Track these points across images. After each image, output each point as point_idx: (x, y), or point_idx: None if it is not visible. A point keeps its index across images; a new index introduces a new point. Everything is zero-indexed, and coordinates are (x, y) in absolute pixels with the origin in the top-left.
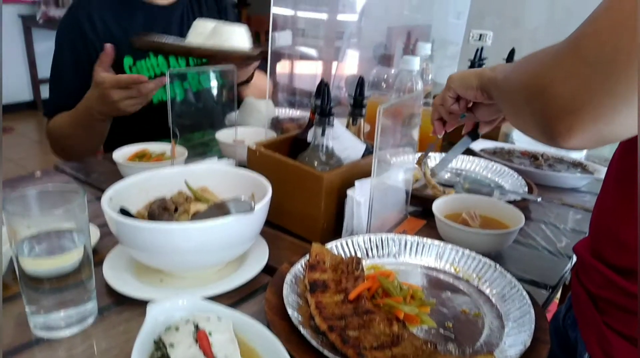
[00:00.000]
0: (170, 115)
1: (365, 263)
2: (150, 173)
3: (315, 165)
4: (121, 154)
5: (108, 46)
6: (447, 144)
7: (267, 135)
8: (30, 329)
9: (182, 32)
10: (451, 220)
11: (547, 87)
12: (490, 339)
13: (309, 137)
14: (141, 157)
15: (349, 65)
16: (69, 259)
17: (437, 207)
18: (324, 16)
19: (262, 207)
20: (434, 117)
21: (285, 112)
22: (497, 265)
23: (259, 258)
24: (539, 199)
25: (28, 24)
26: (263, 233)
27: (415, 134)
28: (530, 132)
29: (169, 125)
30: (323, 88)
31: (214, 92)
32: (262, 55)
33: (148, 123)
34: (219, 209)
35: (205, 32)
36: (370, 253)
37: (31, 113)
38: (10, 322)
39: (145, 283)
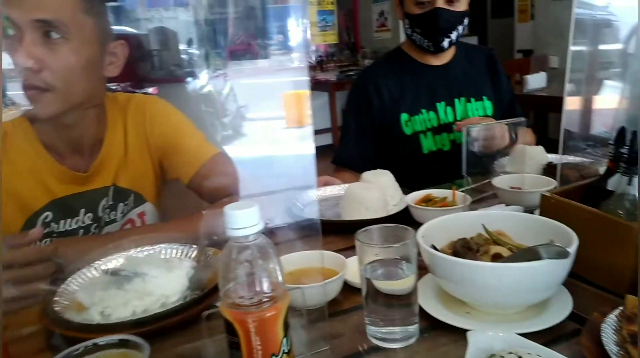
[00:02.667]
0: (464, 164)
1: None
2: (453, 215)
3: (621, 215)
4: (410, 198)
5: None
6: None
7: (544, 183)
8: (368, 338)
9: (455, 89)
10: None
11: None
12: None
13: (610, 186)
14: (427, 201)
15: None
16: (404, 284)
17: None
18: (582, 48)
19: (572, 253)
20: None
21: (558, 158)
22: None
23: (563, 304)
24: None
25: (298, 86)
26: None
27: None
28: None
29: (462, 173)
30: (630, 136)
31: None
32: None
33: (418, 171)
34: (528, 253)
35: None
36: None
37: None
38: (352, 330)
39: (454, 313)
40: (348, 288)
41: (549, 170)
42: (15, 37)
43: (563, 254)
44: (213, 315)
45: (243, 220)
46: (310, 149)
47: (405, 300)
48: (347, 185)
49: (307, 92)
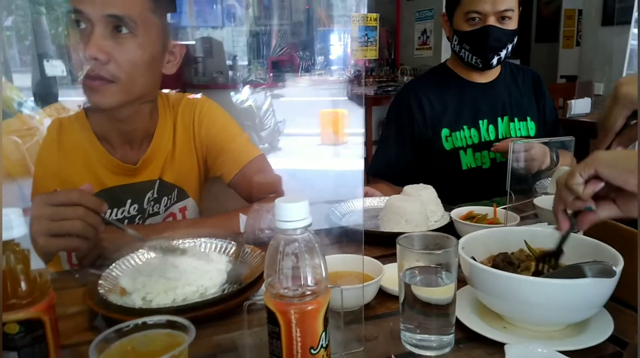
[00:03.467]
0: (508, 181)
1: None
2: (495, 229)
3: None
4: (455, 213)
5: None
6: None
7: None
8: (402, 343)
9: (499, 107)
10: None
11: None
12: None
13: None
14: (470, 218)
15: None
16: (442, 292)
17: None
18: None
19: (618, 274)
20: (558, 207)
21: None
22: None
23: (604, 326)
24: None
25: (336, 100)
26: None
27: None
28: None
29: (506, 188)
30: None
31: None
32: None
33: (456, 187)
34: (572, 270)
35: None
36: None
37: None
38: (385, 335)
39: (491, 326)
40: (383, 295)
41: None
42: (86, 30)
43: (608, 273)
44: (253, 305)
45: (293, 213)
46: (360, 165)
47: (443, 310)
48: (387, 197)
49: (344, 111)
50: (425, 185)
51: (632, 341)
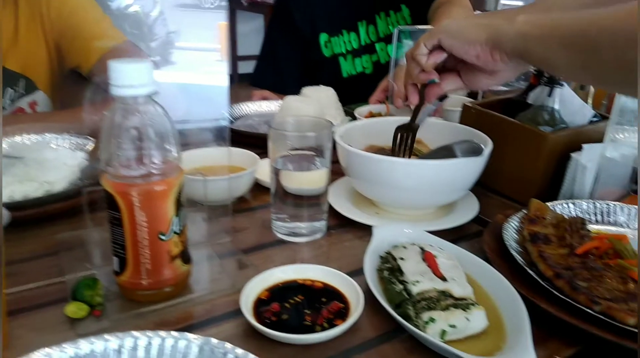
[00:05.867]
0: (391, 75)
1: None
2: (373, 120)
3: (537, 126)
4: (358, 112)
5: None
6: None
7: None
8: (273, 232)
9: (377, 2)
10: None
11: None
12: None
13: (530, 99)
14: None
15: None
16: (314, 179)
17: None
18: None
19: (487, 153)
20: (407, 81)
21: None
22: None
23: (470, 208)
24: None
25: (233, 6)
26: (471, 190)
27: None
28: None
29: (388, 79)
30: None
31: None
32: None
33: (339, 96)
34: (443, 151)
35: None
36: (593, 219)
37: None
38: (257, 226)
39: (363, 212)
40: (259, 188)
41: (471, 95)
42: None
43: (476, 151)
44: (95, 193)
45: (130, 77)
46: (224, 81)
47: (314, 199)
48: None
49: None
50: (325, 87)
51: (495, 218)
